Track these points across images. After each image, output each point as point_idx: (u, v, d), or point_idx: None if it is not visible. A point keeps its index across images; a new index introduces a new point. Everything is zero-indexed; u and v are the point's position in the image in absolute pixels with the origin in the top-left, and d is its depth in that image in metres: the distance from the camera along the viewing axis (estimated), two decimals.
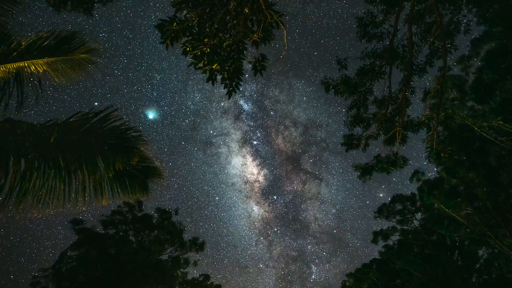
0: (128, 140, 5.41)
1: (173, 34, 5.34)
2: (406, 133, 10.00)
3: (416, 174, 19.45)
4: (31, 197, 4.86)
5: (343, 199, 57.81)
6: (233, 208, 59.11)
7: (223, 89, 5.69)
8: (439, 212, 17.97)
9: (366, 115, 10.83)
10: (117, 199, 5.46)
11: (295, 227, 58.08)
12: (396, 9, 9.68)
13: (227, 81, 5.63)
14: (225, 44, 5.52)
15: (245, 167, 57.56)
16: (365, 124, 10.80)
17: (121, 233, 24.24)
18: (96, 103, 46.78)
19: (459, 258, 20.41)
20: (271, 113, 57.33)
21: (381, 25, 10.66)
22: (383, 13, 10.58)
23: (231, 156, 57.21)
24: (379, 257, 23.63)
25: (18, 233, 42.96)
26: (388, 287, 22.03)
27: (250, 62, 5.60)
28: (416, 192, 20.74)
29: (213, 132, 55.98)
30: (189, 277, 27.28)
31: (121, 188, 5.45)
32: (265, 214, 57.42)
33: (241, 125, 57.87)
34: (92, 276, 22.19)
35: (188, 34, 5.44)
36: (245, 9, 5.34)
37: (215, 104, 54.35)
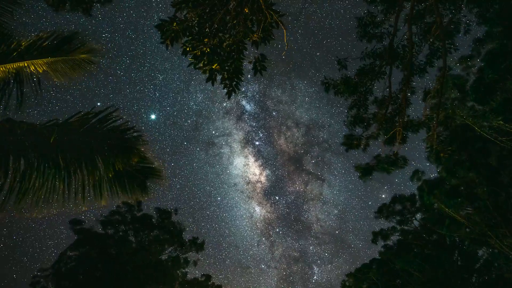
0: (128, 140, 5.41)
1: (173, 34, 5.34)
2: (406, 133, 10.00)
3: (416, 173, 19.44)
4: (30, 197, 4.87)
5: (345, 200, 57.81)
6: (235, 209, 59.22)
7: (223, 89, 5.69)
8: (439, 212, 17.96)
9: (366, 115, 10.82)
10: (117, 199, 5.46)
11: (297, 227, 58.11)
12: (396, 9, 9.67)
13: (226, 81, 5.63)
14: (225, 44, 5.52)
15: (247, 168, 57.68)
16: (365, 124, 10.80)
17: (120, 233, 24.26)
18: (98, 103, 46.84)
19: (459, 258, 20.40)
20: (273, 113, 57.40)
21: (381, 25, 10.65)
22: (383, 13, 10.58)
23: (233, 157, 57.27)
24: (379, 257, 23.63)
25: (20, 232, 43.06)
26: (388, 287, 22.02)
27: (250, 62, 5.60)
28: (416, 192, 20.75)
29: (215, 133, 56.05)
30: (190, 277, 27.33)
31: (121, 188, 5.44)
32: (267, 215, 57.47)
33: (243, 125, 57.91)
34: (92, 276, 22.20)
35: (188, 34, 5.43)
36: (245, 9, 5.34)
37: (218, 105, 54.41)
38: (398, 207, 22.81)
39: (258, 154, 59.38)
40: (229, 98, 5.72)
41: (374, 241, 23.36)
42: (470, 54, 14.07)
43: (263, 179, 57.29)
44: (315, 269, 55.10)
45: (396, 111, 10.50)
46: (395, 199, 22.86)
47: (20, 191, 4.79)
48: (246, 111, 56.55)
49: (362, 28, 10.68)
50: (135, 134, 5.51)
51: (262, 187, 58.59)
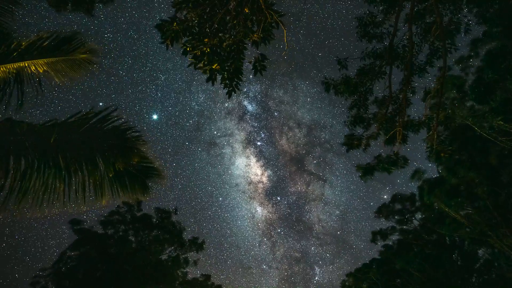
0: (128, 140, 5.41)
1: (173, 34, 5.34)
2: (406, 133, 10.00)
3: (417, 173, 19.44)
4: (31, 197, 4.87)
5: (347, 200, 57.83)
6: (237, 209, 59.19)
7: (223, 89, 5.69)
8: (439, 212, 17.96)
9: (366, 115, 10.82)
10: (117, 199, 5.46)
11: (299, 228, 58.11)
12: (396, 9, 9.67)
13: (227, 81, 5.63)
14: (225, 44, 5.52)
15: (249, 168, 57.61)
16: (365, 124, 10.80)
17: (120, 233, 24.26)
18: (101, 103, 46.92)
19: (459, 258, 20.41)
20: (275, 114, 57.42)
21: (381, 25, 10.66)
22: (383, 13, 10.58)
23: (235, 157, 57.28)
24: (379, 257, 23.64)
25: (23, 232, 43.11)
26: (388, 287, 22.02)
27: (250, 62, 5.60)
28: (417, 192, 20.75)
29: (217, 133, 56.07)
30: (191, 277, 27.33)
31: (121, 188, 5.44)
32: (268, 215, 57.49)
33: (245, 125, 57.87)
34: (92, 276, 22.20)
35: (188, 34, 5.44)
36: (245, 9, 5.34)
37: (219, 105, 54.43)
38: (398, 206, 22.83)
39: (260, 155, 59.44)
40: (229, 97, 5.73)
41: (373, 240, 23.38)
42: (468, 54, 14.09)
43: (264, 179, 57.35)
44: (317, 269, 55.18)
45: (396, 111, 10.50)
46: (395, 198, 22.87)
47: (20, 191, 4.79)
48: (248, 112, 56.62)
49: (362, 28, 10.69)
50: (135, 134, 5.51)
51: (263, 187, 58.67)
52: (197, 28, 5.46)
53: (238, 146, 58.88)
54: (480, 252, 19.87)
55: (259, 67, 5.60)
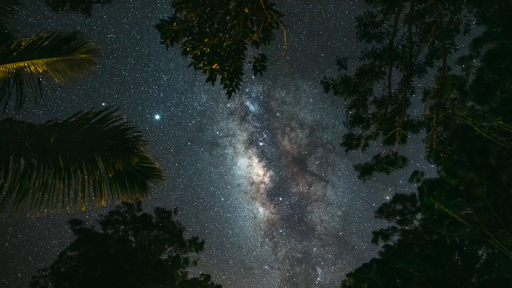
0: (128, 141, 5.41)
1: (173, 34, 5.34)
2: (406, 133, 10.00)
3: (416, 174, 19.46)
4: (30, 197, 4.87)
5: (349, 201, 57.76)
6: (239, 209, 59.12)
7: (223, 89, 5.69)
8: (439, 212, 17.97)
9: (365, 115, 10.82)
10: (117, 199, 5.47)
11: (301, 229, 58.02)
12: (396, 9, 9.67)
13: (226, 81, 5.63)
14: (225, 44, 5.52)
15: (251, 169, 57.55)
16: (364, 124, 10.80)
17: (120, 233, 24.26)
18: (103, 104, 46.96)
19: (459, 258, 20.41)
20: (277, 114, 57.35)
21: (381, 25, 10.65)
22: (382, 13, 10.58)
23: (237, 157, 57.24)
24: (380, 257, 23.64)
25: (25, 231, 43.13)
26: (388, 287, 22.02)
27: (250, 62, 5.60)
28: (417, 193, 20.76)
29: (219, 133, 56.03)
30: (191, 277, 27.33)
31: (121, 188, 5.45)
32: (270, 216, 57.40)
33: (247, 126, 57.77)
34: (92, 276, 22.20)
35: (188, 34, 5.43)
36: (245, 9, 5.34)
37: (222, 105, 54.40)
38: (398, 207, 22.84)
39: (262, 155, 59.33)
40: (229, 98, 5.73)
41: (374, 241, 23.39)
42: (468, 54, 14.09)
43: (266, 180, 57.30)
44: (319, 270, 55.08)
45: (396, 111, 10.50)
46: (396, 198, 22.89)
47: (20, 191, 4.79)
48: (250, 112, 56.58)
49: (362, 28, 10.69)
50: (135, 134, 5.52)
51: (265, 188, 58.60)
52: (197, 28, 5.45)
53: (240, 147, 58.94)
54: (480, 252, 19.88)
55: (259, 67, 5.60)
